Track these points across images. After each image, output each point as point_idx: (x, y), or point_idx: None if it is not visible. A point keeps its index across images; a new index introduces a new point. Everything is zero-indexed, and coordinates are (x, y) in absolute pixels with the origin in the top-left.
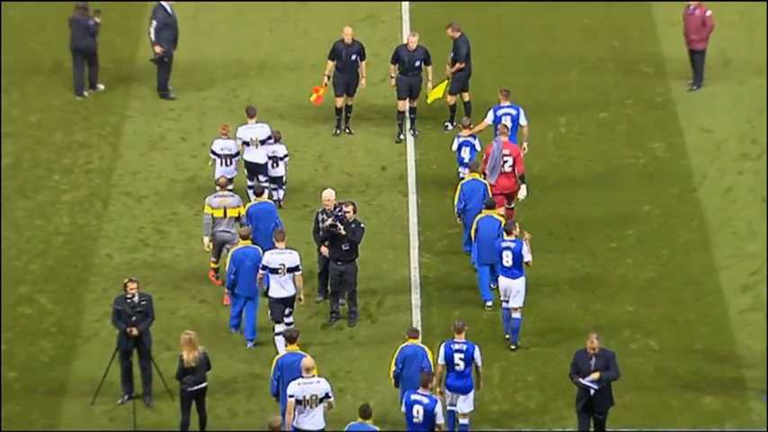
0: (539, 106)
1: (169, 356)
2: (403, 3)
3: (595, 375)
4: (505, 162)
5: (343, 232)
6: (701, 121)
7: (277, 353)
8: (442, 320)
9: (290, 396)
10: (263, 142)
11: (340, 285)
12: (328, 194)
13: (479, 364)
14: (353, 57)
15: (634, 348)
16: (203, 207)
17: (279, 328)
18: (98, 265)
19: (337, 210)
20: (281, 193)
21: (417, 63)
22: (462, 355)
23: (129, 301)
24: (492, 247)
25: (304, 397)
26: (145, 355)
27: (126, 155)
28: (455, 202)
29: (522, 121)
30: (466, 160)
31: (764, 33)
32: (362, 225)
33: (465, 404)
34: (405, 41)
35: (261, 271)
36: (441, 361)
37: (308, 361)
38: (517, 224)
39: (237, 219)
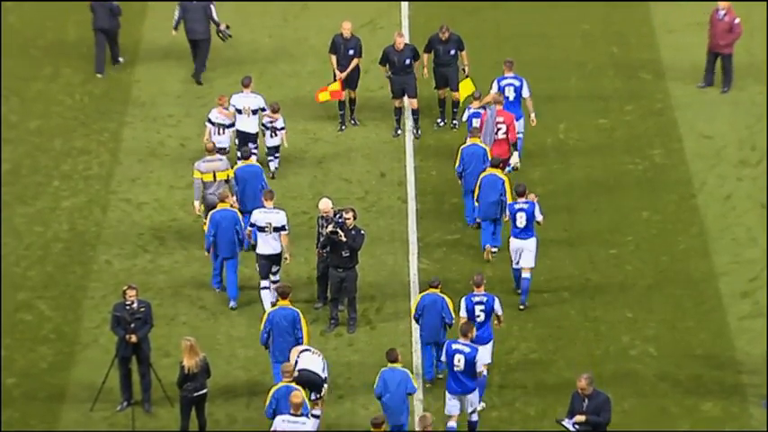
0: (538, 112)
1: (168, 363)
2: (402, 8)
3: (580, 418)
4: (499, 129)
5: (344, 239)
6: (700, 128)
7: (263, 308)
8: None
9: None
10: (254, 112)
11: (340, 292)
12: (325, 205)
13: (500, 313)
14: (351, 52)
15: (633, 354)
16: (192, 172)
17: (264, 283)
18: (97, 271)
19: (338, 216)
20: (276, 162)
21: (407, 62)
22: (483, 307)
23: (128, 307)
24: (493, 202)
25: None
26: (144, 361)
27: (125, 161)
28: (455, 166)
29: (525, 92)
30: None
31: (764, 39)
32: (363, 232)
33: (485, 355)
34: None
35: (249, 228)
36: (462, 314)
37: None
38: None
39: (227, 181)
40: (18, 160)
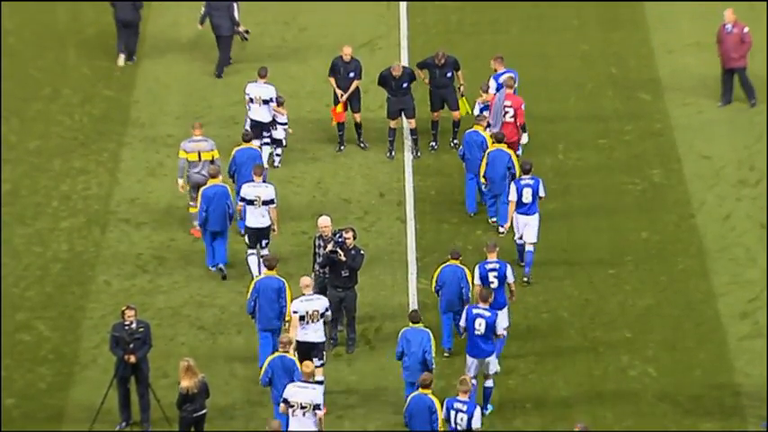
0: (537, 133)
1: (167, 383)
2: (401, 29)
3: None
4: (506, 113)
5: (344, 258)
6: (699, 148)
7: (251, 275)
8: (439, 347)
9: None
10: (266, 102)
11: (339, 312)
12: (324, 221)
13: (511, 281)
14: (351, 74)
15: (633, 375)
16: (178, 152)
17: (252, 251)
18: (96, 291)
19: (337, 236)
20: (279, 151)
21: (405, 85)
22: (496, 273)
23: (126, 328)
24: (501, 176)
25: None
26: (143, 381)
27: (124, 181)
28: (457, 151)
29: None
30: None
31: (762, 59)
32: (362, 252)
33: (502, 320)
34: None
35: (239, 202)
36: (477, 281)
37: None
38: None
39: (212, 162)
40: (17, 180)
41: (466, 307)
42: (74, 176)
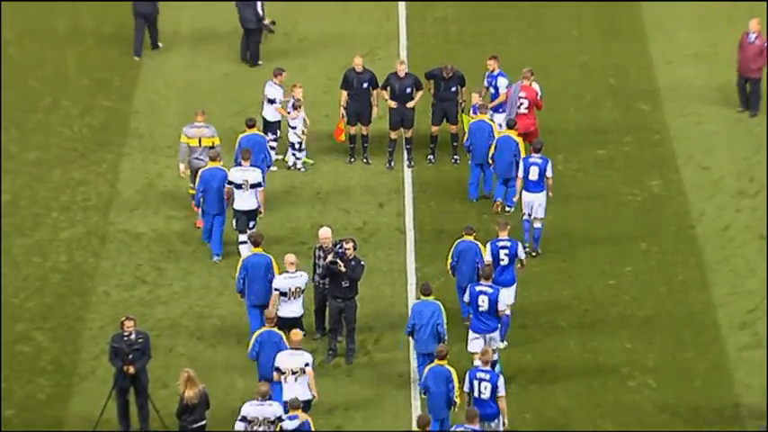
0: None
1: (166, 394)
2: (401, 39)
3: None
4: (521, 104)
5: (344, 269)
6: (698, 159)
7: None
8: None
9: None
10: (270, 101)
11: (339, 323)
12: (325, 232)
13: (522, 257)
14: (365, 85)
15: (632, 386)
16: (180, 137)
17: (243, 237)
18: (95, 302)
19: (337, 246)
20: (298, 155)
21: (408, 90)
22: (507, 251)
23: (125, 339)
24: (508, 162)
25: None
26: (142, 392)
27: (123, 192)
28: (463, 140)
29: (502, 87)
30: None
31: (762, 71)
32: (362, 262)
33: (508, 296)
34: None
35: (227, 186)
36: (488, 258)
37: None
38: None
39: (211, 148)
40: (17, 191)
41: (469, 285)
42: (73, 187)
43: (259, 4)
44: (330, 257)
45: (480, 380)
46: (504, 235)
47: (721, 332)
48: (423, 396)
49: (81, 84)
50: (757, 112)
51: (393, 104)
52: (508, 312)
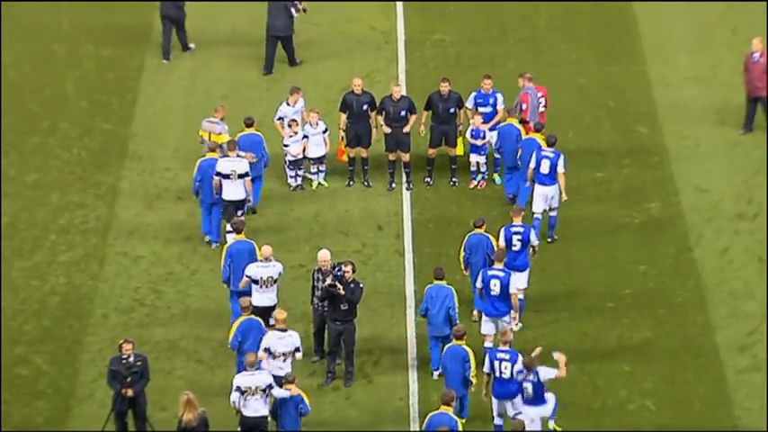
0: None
1: (164, 417)
2: (399, 63)
3: None
4: (540, 103)
5: (343, 292)
6: (696, 181)
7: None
8: (439, 380)
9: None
10: (279, 119)
11: (338, 345)
12: (324, 255)
13: (535, 243)
14: (364, 107)
15: (631, 408)
16: (198, 131)
17: (230, 227)
18: (94, 325)
19: (336, 269)
20: (319, 173)
21: (402, 113)
22: (520, 237)
23: (124, 361)
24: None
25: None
26: (140, 416)
27: (122, 215)
28: (492, 142)
29: (500, 104)
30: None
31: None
32: (361, 285)
33: (521, 281)
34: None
35: (215, 177)
36: (501, 242)
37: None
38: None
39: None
40: (15, 214)
41: (481, 269)
42: (72, 210)
43: (293, 9)
44: (329, 280)
45: (501, 360)
46: (517, 221)
47: (720, 355)
48: (440, 375)
49: (80, 107)
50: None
51: (387, 130)
52: (521, 296)
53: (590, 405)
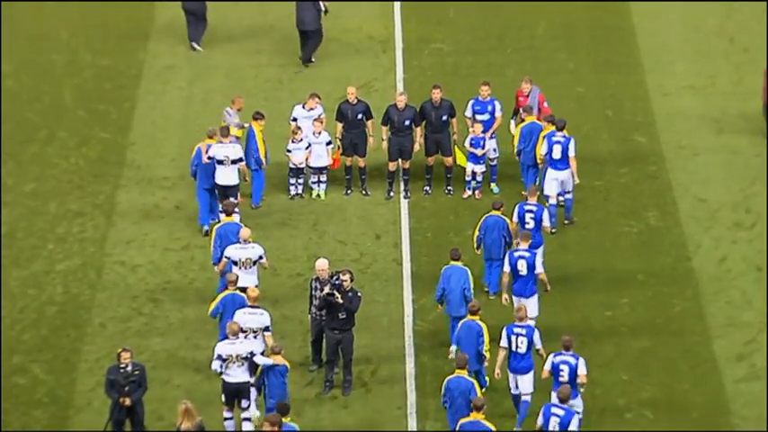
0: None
1: (162, 426)
2: (397, 72)
3: None
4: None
5: (341, 301)
6: (694, 190)
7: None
8: (437, 389)
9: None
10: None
11: (336, 354)
12: (322, 264)
13: (547, 225)
14: (359, 116)
15: (629, 418)
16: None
17: (221, 209)
18: (91, 334)
19: (334, 278)
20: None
21: (407, 122)
22: (533, 215)
23: (122, 371)
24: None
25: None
26: (138, 425)
27: (120, 224)
28: (515, 143)
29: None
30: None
31: (759, 103)
32: (359, 294)
33: (539, 262)
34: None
35: (206, 159)
36: (515, 219)
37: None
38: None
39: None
40: (13, 223)
41: (508, 251)
42: (70, 219)
43: (322, 4)
44: (327, 289)
45: (517, 335)
46: (532, 199)
47: (718, 364)
48: (453, 353)
49: (78, 116)
50: None
51: (385, 145)
52: (540, 270)
53: (588, 414)
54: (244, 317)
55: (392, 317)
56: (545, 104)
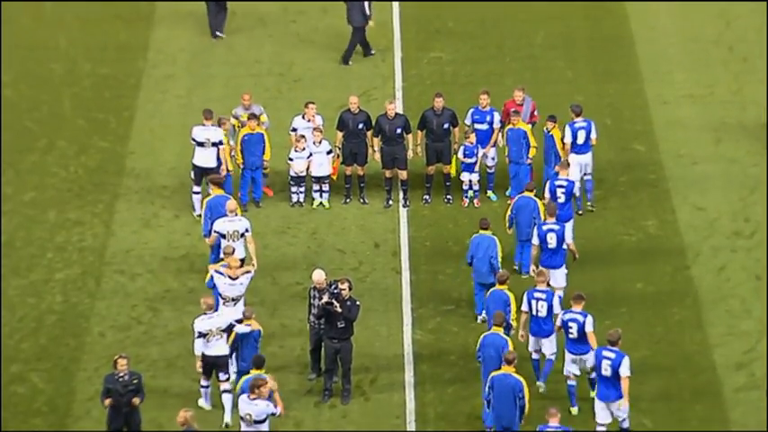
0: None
1: None
2: (396, 80)
3: None
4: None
5: (339, 310)
6: (693, 199)
7: (194, 211)
8: (436, 398)
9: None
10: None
11: (335, 363)
12: (318, 276)
13: (578, 194)
14: (360, 125)
15: (628, 427)
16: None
17: (196, 188)
18: (90, 343)
19: (333, 287)
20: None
21: (398, 131)
22: (564, 190)
23: (120, 379)
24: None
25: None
26: None
27: (119, 233)
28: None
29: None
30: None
31: (757, 111)
32: (358, 303)
33: (567, 231)
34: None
35: (192, 141)
36: (546, 194)
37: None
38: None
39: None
40: (12, 232)
41: (536, 224)
42: (69, 228)
43: (366, 3)
44: (326, 298)
45: (537, 299)
46: (563, 174)
47: (717, 373)
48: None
49: (77, 125)
50: None
51: (377, 155)
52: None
53: (587, 423)
54: (225, 287)
55: (391, 326)
56: (536, 113)
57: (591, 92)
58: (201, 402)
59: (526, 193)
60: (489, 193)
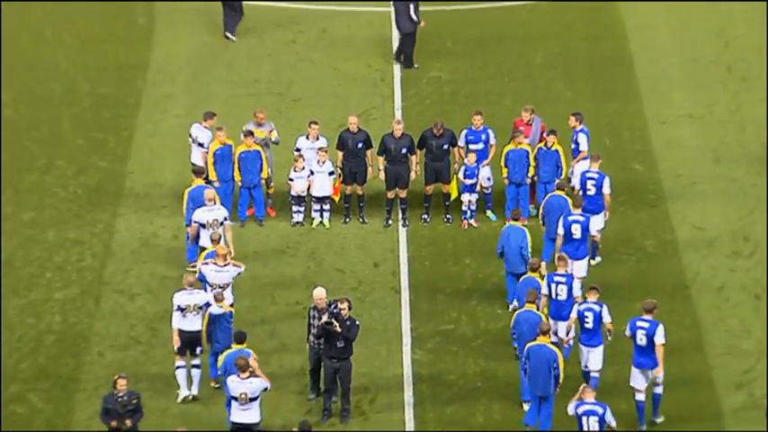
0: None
1: None
2: (395, 100)
3: None
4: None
5: (339, 329)
6: (692, 219)
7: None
8: (435, 418)
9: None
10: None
11: (334, 383)
12: (319, 293)
13: (607, 192)
14: (359, 145)
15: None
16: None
17: (192, 173)
18: (89, 363)
19: (332, 306)
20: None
21: (404, 151)
22: (594, 182)
23: (119, 399)
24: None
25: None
26: None
27: (118, 252)
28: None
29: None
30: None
31: (757, 131)
32: (357, 322)
33: (597, 223)
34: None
35: (189, 139)
36: (577, 186)
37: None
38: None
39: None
40: (11, 251)
41: (562, 215)
42: (68, 247)
43: (412, 7)
44: (325, 317)
45: (557, 282)
46: (595, 167)
47: (717, 393)
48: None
49: (76, 144)
50: None
51: (382, 175)
52: (598, 237)
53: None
54: (212, 275)
55: (390, 345)
56: (545, 135)
57: (590, 111)
58: (180, 382)
59: (557, 192)
60: (488, 212)
